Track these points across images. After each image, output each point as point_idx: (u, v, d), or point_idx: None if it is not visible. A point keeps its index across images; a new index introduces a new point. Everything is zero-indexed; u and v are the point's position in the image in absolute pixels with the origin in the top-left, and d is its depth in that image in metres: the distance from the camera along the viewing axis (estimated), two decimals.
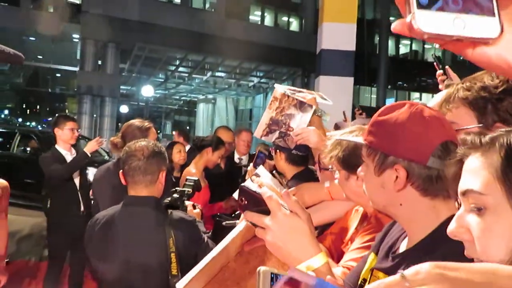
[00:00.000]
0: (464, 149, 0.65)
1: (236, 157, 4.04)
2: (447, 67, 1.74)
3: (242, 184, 0.90)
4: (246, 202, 0.88)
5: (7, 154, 8.21)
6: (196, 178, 2.32)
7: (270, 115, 1.93)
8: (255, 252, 1.03)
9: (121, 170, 1.84)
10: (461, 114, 1.12)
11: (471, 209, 0.61)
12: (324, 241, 1.64)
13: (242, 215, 0.94)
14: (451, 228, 0.63)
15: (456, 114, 1.12)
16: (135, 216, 1.78)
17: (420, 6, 0.39)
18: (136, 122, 2.78)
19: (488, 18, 0.40)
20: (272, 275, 0.58)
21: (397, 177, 0.91)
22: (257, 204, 0.86)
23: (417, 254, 0.87)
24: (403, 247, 0.97)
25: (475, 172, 0.61)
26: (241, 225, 0.98)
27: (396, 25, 0.42)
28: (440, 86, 1.65)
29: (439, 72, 1.72)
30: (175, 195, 1.93)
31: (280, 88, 1.97)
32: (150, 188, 1.80)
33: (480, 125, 1.09)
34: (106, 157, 8.18)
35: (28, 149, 8.22)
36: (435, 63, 1.77)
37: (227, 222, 1.22)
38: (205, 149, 3.26)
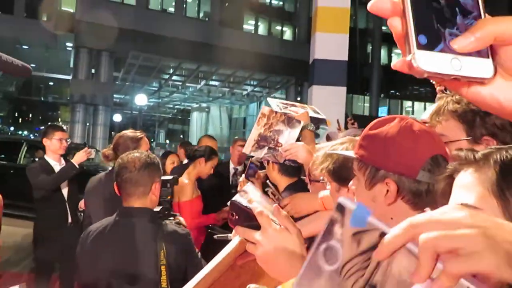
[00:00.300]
0: (455, 164, 0.65)
1: (231, 167, 4.01)
2: None
3: (233, 199, 0.90)
4: (237, 217, 0.88)
5: (14, 165, 8.00)
6: (171, 177, 2.28)
7: (258, 132, 1.92)
8: (247, 266, 1.02)
9: (115, 182, 1.83)
10: (450, 126, 1.13)
11: None
12: None
13: (234, 230, 0.94)
14: None
15: (446, 127, 1.13)
16: (127, 228, 1.76)
17: (419, 46, 0.41)
18: (128, 132, 2.76)
19: (482, 59, 0.42)
20: None
21: (387, 191, 0.92)
22: (248, 219, 0.86)
23: None
24: None
25: (469, 188, 0.61)
26: (235, 239, 0.97)
27: (396, 63, 0.44)
28: (438, 96, 1.66)
29: None
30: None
31: (272, 103, 1.97)
32: (143, 200, 1.79)
33: (469, 138, 1.10)
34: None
35: (37, 159, 8.10)
36: None
37: (218, 235, 1.21)
38: (198, 160, 3.26)
